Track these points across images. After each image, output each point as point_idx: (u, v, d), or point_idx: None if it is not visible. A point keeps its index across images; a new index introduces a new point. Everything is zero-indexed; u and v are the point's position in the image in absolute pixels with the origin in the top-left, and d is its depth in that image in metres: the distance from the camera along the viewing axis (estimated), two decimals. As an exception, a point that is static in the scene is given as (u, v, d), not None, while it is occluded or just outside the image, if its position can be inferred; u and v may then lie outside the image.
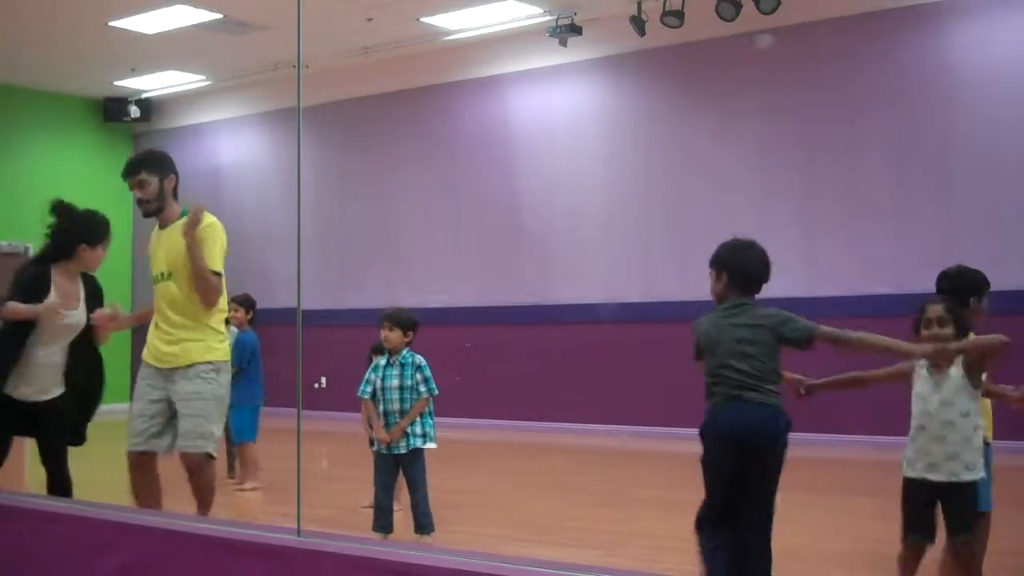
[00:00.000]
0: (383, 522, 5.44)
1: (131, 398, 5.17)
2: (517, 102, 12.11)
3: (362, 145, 13.09)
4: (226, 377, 4.95)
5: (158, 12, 10.77)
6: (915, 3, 9.75)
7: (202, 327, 4.89)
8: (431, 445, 5.48)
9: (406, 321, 5.49)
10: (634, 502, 7.15)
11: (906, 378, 4.00)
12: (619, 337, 10.79)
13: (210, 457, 4.92)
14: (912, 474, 3.92)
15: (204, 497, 4.95)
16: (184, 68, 13.28)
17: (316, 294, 12.59)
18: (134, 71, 13.33)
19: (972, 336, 3.97)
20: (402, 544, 5.05)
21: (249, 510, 6.86)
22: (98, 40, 11.78)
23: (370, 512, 5.61)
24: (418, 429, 5.42)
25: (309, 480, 7.70)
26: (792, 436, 3.92)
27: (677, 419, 8.77)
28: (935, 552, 4.04)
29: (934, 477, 3.86)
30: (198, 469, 4.90)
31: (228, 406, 5.09)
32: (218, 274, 4.89)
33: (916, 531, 3.91)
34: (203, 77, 13.63)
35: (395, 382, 5.42)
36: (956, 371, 3.89)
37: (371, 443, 5.71)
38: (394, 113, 12.84)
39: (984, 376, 3.88)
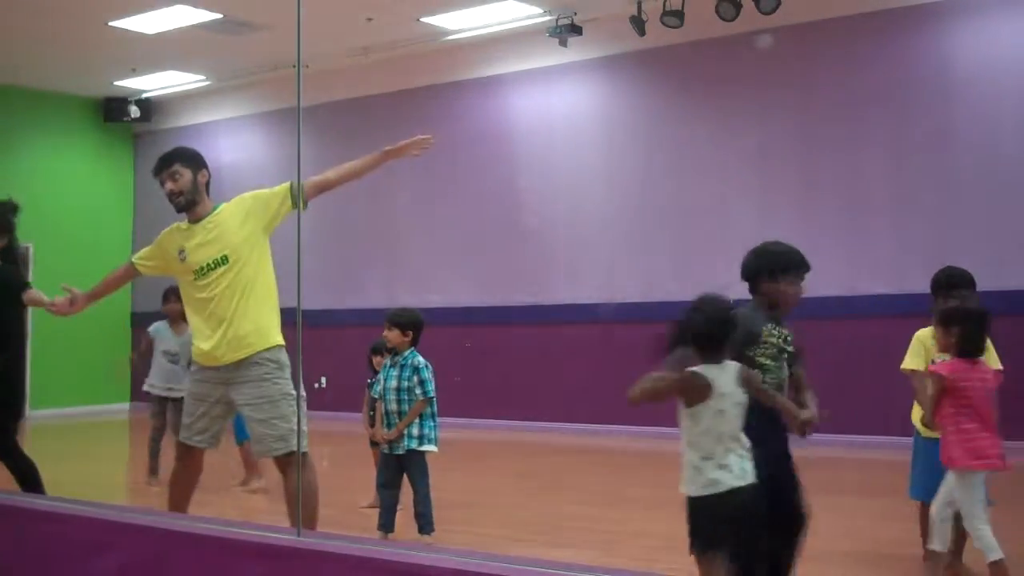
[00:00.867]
0: (383, 521, 5.47)
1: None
2: (517, 102, 12.11)
3: (362, 145, 12.94)
4: (286, 369, 4.69)
5: (158, 12, 10.77)
6: (915, 3, 9.74)
7: (258, 315, 4.73)
8: (430, 448, 5.47)
9: (404, 321, 5.52)
10: (633, 502, 7.15)
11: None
12: (619, 337, 10.79)
13: (289, 456, 4.62)
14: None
15: (304, 500, 4.54)
16: (184, 68, 13.27)
17: (316, 294, 12.58)
18: (134, 71, 13.33)
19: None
20: (402, 544, 5.05)
21: (249, 510, 6.86)
22: (98, 40, 11.77)
23: (370, 512, 5.62)
24: (415, 431, 5.43)
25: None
26: (793, 436, 3.91)
27: (677, 419, 8.76)
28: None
29: None
30: (285, 468, 4.70)
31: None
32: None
33: None
34: (203, 77, 13.63)
35: (393, 383, 5.46)
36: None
37: (372, 443, 5.74)
38: (394, 113, 12.83)
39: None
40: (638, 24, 10.28)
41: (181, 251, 4.79)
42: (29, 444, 5.43)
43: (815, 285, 4.02)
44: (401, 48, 11.99)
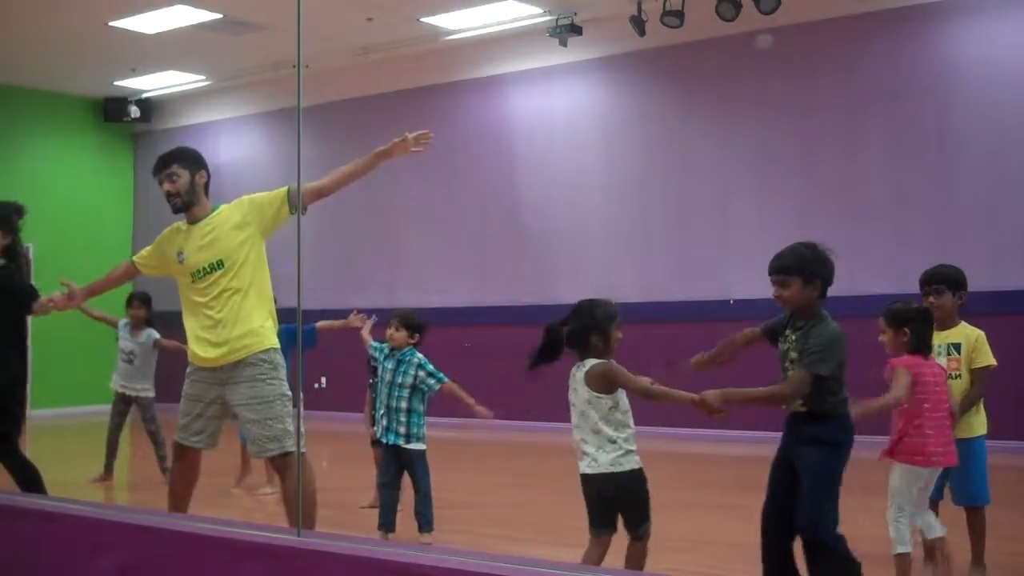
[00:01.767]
0: (383, 520, 5.47)
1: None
2: (517, 102, 12.11)
3: (362, 145, 12.90)
4: (280, 370, 4.71)
5: (158, 12, 10.77)
6: (915, 3, 9.74)
7: (253, 316, 4.74)
8: (419, 446, 5.50)
9: (414, 324, 5.55)
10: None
11: None
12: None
13: (285, 456, 4.64)
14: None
15: (303, 499, 4.51)
16: (184, 68, 13.27)
17: (316, 294, 12.58)
18: (134, 71, 13.33)
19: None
20: (402, 544, 5.05)
21: (249, 510, 6.86)
22: (98, 40, 11.77)
23: (370, 512, 5.63)
24: (402, 429, 5.45)
25: (309, 480, 7.68)
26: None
27: (677, 419, 8.75)
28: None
29: None
30: (281, 469, 4.71)
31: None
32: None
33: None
34: (203, 77, 13.63)
35: (388, 377, 5.49)
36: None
37: (373, 442, 5.75)
38: (394, 113, 12.82)
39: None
40: (638, 24, 10.28)
41: (180, 253, 4.80)
42: (29, 444, 5.43)
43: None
44: (401, 48, 11.99)
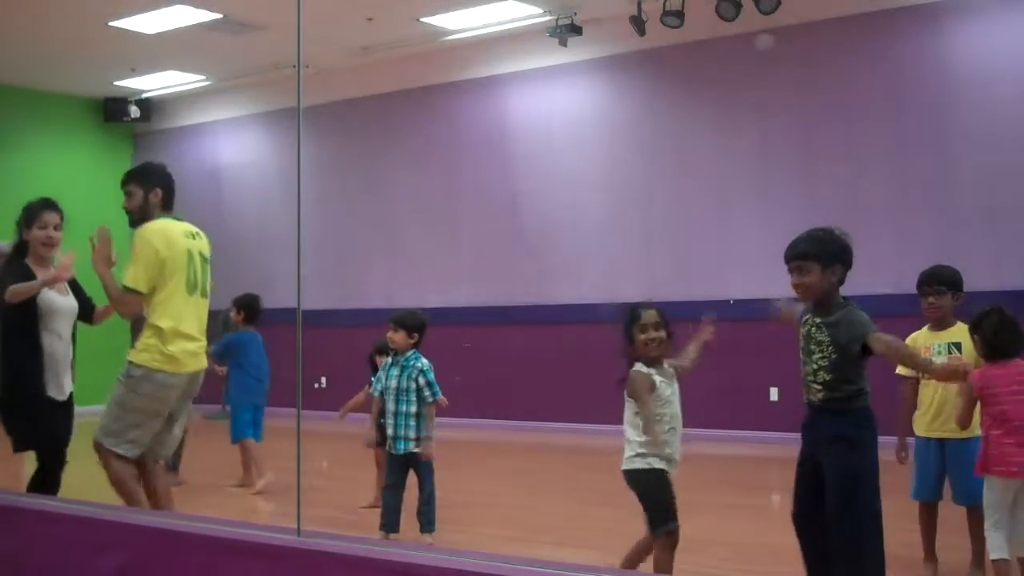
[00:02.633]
0: (387, 521, 5.48)
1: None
2: (517, 102, 12.10)
3: (362, 145, 13.08)
4: (139, 383, 4.82)
5: (158, 12, 10.76)
6: (915, 3, 9.74)
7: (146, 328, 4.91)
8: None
9: (411, 323, 5.56)
10: (634, 502, 7.13)
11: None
12: (619, 337, 10.76)
13: (109, 452, 4.88)
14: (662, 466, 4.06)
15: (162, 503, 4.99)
16: (184, 68, 13.27)
17: (316, 294, 12.58)
18: (134, 71, 13.32)
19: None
20: (402, 544, 5.05)
21: (249, 510, 6.86)
22: (98, 40, 11.77)
23: (370, 512, 5.64)
24: (411, 434, 5.46)
25: (309, 480, 7.70)
26: (790, 436, 3.92)
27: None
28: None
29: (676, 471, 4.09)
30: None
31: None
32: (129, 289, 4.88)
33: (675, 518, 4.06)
34: (203, 77, 13.62)
35: (393, 383, 5.51)
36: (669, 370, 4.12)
37: (378, 443, 5.76)
38: (394, 113, 12.83)
39: None
40: (638, 24, 10.28)
41: None
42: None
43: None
44: (401, 48, 11.99)
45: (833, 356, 3.67)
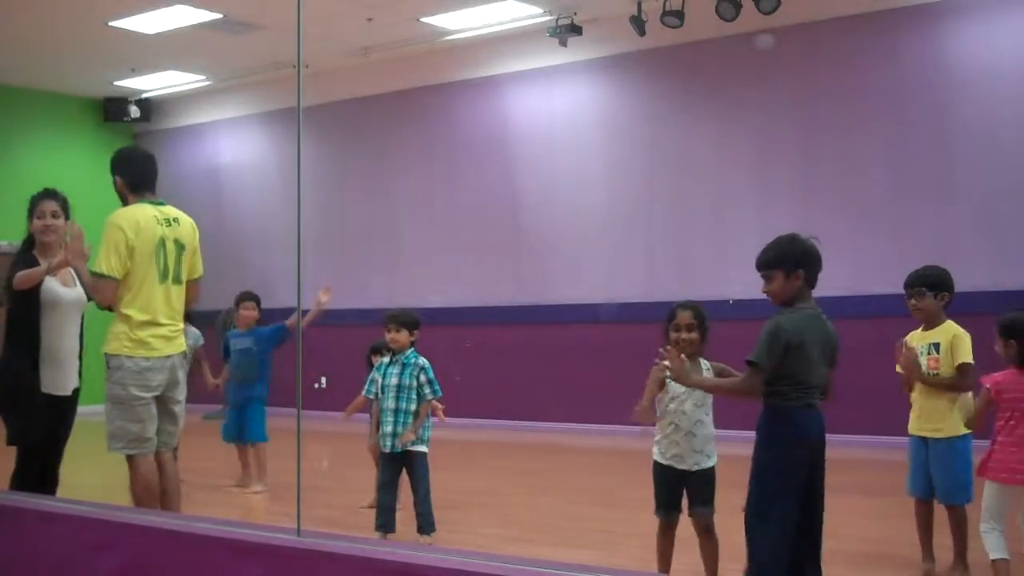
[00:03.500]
0: (383, 521, 5.46)
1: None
2: (517, 102, 12.11)
3: (362, 145, 13.09)
4: (116, 373, 4.84)
5: (158, 12, 10.76)
6: (915, 3, 9.74)
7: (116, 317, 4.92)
8: (422, 448, 5.50)
9: (410, 321, 5.54)
10: (633, 502, 7.13)
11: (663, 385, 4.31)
12: (619, 337, 10.78)
13: (130, 462, 4.90)
14: (663, 461, 4.36)
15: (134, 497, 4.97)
16: (184, 68, 13.27)
17: (316, 294, 12.56)
18: (134, 71, 13.32)
19: None
20: (402, 544, 5.04)
21: (249, 510, 6.86)
22: (98, 40, 11.77)
23: (370, 512, 5.63)
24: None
25: (309, 480, 7.69)
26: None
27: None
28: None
29: (681, 466, 4.31)
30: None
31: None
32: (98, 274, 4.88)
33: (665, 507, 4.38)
34: (203, 77, 13.62)
35: (394, 380, 5.47)
36: (707, 372, 4.28)
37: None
38: (394, 113, 12.83)
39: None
40: (638, 24, 10.28)
41: None
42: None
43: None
44: (401, 48, 11.99)
45: None
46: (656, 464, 4.37)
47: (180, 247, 4.98)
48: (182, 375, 5.03)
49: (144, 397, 4.84)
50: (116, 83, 13.84)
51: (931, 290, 4.81)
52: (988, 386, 4.29)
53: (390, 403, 5.46)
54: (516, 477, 8.50)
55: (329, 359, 11.43)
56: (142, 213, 4.91)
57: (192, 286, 5.10)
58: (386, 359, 5.61)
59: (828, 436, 3.85)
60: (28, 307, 5.09)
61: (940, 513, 4.85)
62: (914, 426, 4.86)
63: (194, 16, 10.87)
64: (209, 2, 10.52)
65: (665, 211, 11.01)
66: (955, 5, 9.64)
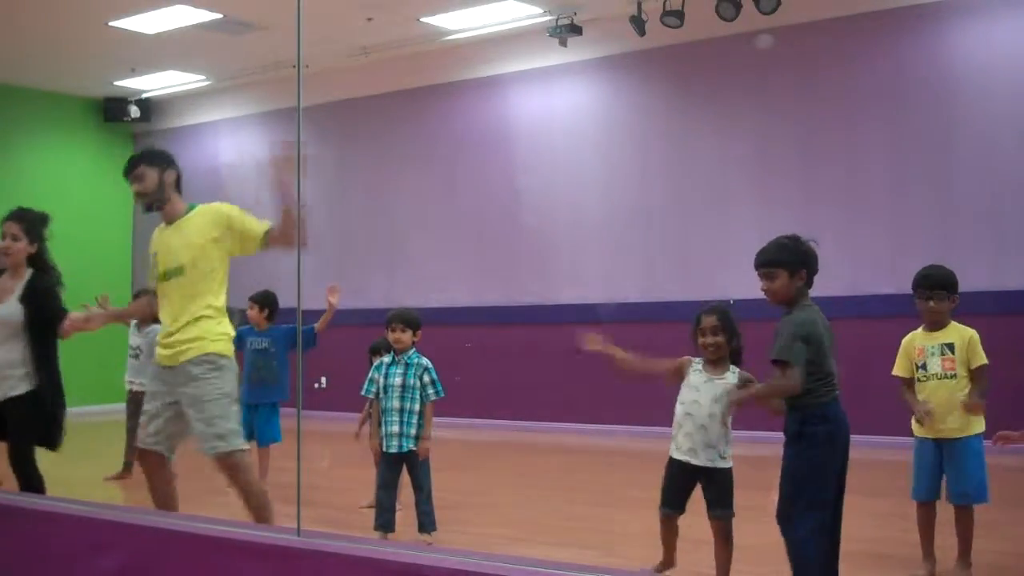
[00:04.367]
0: (383, 521, 5.46)
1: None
2: (517, 102, 12.11)
3: (362, 145, 13.09)
4: (226, 372, 4.77)
5: (158, 12, 10.77)
6: (915, 3, 9.74)
7: (204, 321, 4.77)
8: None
9: (415, 321, 5.54)
10: (633, 502, 7.14)
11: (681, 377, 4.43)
12: (619, 337, 10.72)
13: (230, 455, 4.74)
14: (678, 456, 4.36)
15: (248, 500, 4.85)
16: (184, 68, 13.27)
17: (316, 294, 12.54)
18: (134, 71, 13.33)
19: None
20: (402, 544, 5.04)
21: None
22: (98, 40, 11.77)
23: (370, 512, 5.62)
24: (412, 431, 5.44)
25: (309, 480, 7.68)
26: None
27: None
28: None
29: (695, 461, 4.30)
30: (228, 469, 4.80)
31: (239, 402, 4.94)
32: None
33: (669, 505, 4.36)
34: (203, 77, 13.63)
35: (398, 380, 5.46)
36: (732, 376, 4.31)
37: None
38: (394, 113, 12.83)
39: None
40: (638, 24, 10.28)
41: (155, 254, 4.88)
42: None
43: (814, 285, 4.05)
44: (401, 48, 11.99)
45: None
46: (671, 460, 4.37)
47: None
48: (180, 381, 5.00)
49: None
50: (116, 83, 13.85)
51: (948, 292, 4.81)
52: None
53: (394, 403, 5.45)
54: (516, 477, 8.50)
55: (329, 359, 11.42)
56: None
57: None
58: (387, 359, 5.59)
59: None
60: None
61: (940, 514, 4.85)
62: (922, 428, 4.83)
63: (194, 16, 10.88)
64: (209, 2, 10.52)
65: (665, 211, 11.01)
66: (955, 5, 9.64)
